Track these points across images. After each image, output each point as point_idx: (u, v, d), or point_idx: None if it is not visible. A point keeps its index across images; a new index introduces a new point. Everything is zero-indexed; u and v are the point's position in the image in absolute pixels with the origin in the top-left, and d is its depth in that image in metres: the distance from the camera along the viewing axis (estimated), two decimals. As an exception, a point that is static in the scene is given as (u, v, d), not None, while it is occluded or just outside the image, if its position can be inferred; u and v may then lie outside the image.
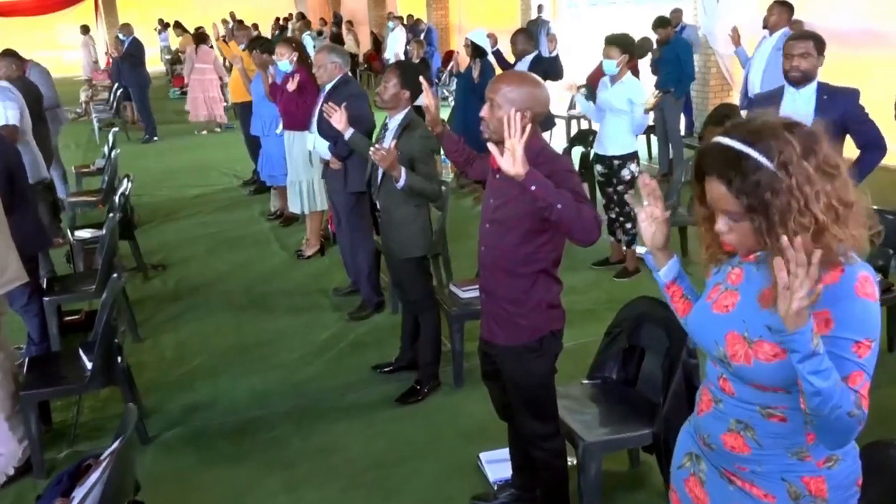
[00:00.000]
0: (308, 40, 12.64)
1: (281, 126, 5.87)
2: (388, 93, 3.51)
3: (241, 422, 3.65)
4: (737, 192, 1.38)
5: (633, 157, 5.05)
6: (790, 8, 6.11)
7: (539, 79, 2.43)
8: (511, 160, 2.08)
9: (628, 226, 5.19)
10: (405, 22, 13.94)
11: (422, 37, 13.28)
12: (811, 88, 3.69)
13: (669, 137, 7.47)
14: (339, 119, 3.82)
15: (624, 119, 4.97)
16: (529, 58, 5.99)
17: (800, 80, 3.69)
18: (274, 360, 4.25)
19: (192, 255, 6.16)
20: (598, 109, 5.18)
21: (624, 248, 5.35)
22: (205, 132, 11.91)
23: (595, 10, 16.07)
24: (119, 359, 3.37)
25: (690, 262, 5.40)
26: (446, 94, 12.30)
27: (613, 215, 5.34)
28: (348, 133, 3.86)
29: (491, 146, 2.18)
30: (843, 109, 3.59)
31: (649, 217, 1.75)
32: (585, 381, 3.05)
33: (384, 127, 3.67)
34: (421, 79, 3.17)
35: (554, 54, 5.73)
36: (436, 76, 12.23)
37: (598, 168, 5.25)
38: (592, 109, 5.30)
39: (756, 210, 1.37)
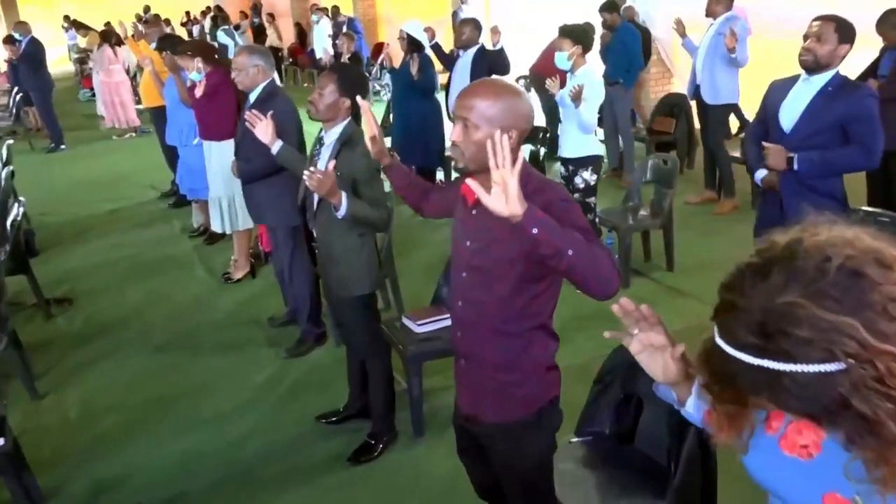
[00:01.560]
0: (224, 37, 11.82)
1: (197, 136, 5.22)
2: (323, 101, 2.95)
3: (163, 501, 3.05)
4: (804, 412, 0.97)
5: (589, 162, 4.59)
6: None
7: (517, 86, 1.93)
8: (502, 197, 1.58)
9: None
10: (330, 14, 13.24)
11: (343, 28, 12.68)
12: (823, 78, 3.13)
13: (619, 130, 7.10)
14: (265, 130, 3.25)
15: (575, 117, 4.53)
16: (473, 51, 5.49)
17: (811, 67, 3.13)
18: (201, 414, 3.65)
19: (104, 285, 5.45)
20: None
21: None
22: (127, 135, 11.01)
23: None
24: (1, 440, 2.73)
25: (655, 267, 5.04)
26: (378, 88, 11.71)
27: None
28: (276, 146, 3.29)
29: (471, 182, 1.67)
30: (843, 107, 3.06)
31: (647, 347, 1.33)
32: (575, 440, 2.59)
33: (319, 142, 3.10)
34: (360, 100, 2.57)
35: (499, 47, 5.25)
36: (366, 70, 11.61)
37: (561, 171, 4.80)
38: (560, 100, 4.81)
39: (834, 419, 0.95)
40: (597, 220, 4.76)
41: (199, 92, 4.68)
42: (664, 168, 4.95)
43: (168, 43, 5.76)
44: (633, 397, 2.53)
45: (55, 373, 4.15)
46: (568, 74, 4.60)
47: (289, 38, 17.53)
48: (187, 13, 20.88)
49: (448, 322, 3.49)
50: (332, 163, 2.70)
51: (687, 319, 4.04)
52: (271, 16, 16.54)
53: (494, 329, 1.94)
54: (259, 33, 16.77)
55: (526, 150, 6.15)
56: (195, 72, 4.89)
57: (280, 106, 3.80)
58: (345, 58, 7.73)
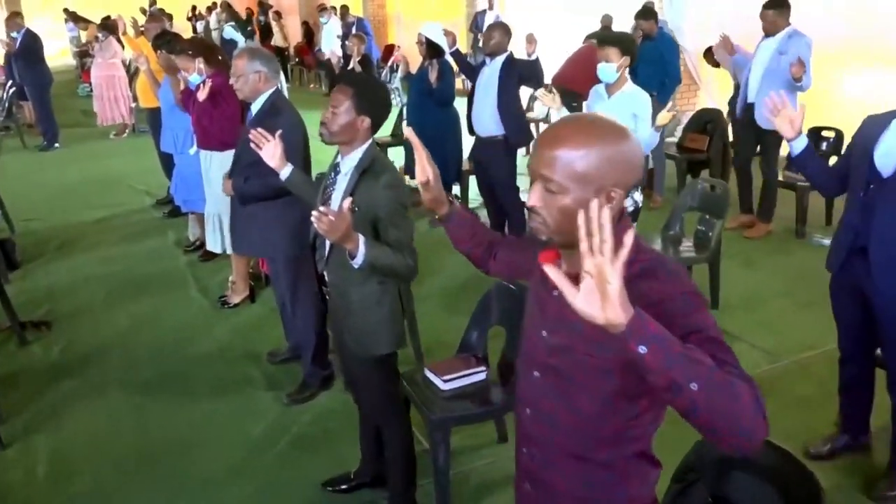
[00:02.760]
0: (231, 32, 11.33)
1: (194, 145, 4.73)
2: (338, 122, 2.44)
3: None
4: None
5: (636, 185, 4.11)
6: (788, 7, 5.33)
7: (620, 124, 1.37)
8: (596, 297, 1.10)
9: (630, 266, 4.26)
10: (338, 13, 12.74)
11: (354, 29, 12.19)
12: None
13: (652, 152, 6.59)
14: (272, 152, 2.74)
15: (627, 137, 4.03)
16: (501, 59, 4.99)
17: None
18: (189, 478, 3.13)
19: (87, 305, 4.94)
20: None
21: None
22: (125, 134, 10.52)
23: (546, 2, 15.29)
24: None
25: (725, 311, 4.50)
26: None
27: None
28: (286, 171, 2.79)
29: (551, 270, 1.16)
30: None
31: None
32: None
33: (334, 169, 2.59)
34: (408, 131, 1.88)
35: (534, 56, 4.75)
36: (376, 73, 11.12)
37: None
38: None
39: None
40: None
41: (201, 96, 4.17)
42: (713, 194, 4.46)
43: (164, 41, 5.26)
44: (723, 502, 2.04)
45: (25, 416, 3.63)
46: (601, 88, 4.08)
47: (295, 37, 17.05)
48: (193, 8, 20.39)
49: (481, 376, 3.02)
50: (348, 200, 2.18)
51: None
52: (278, 14, 16.04)
53: (573, 454, 1.44)
54: (265, 32, 16.27)
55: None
56: (195, 74, 4.41)
57: (286, 121, 3.30)
58: (354, 60, 7.24)
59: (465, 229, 1.80)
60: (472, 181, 6.59)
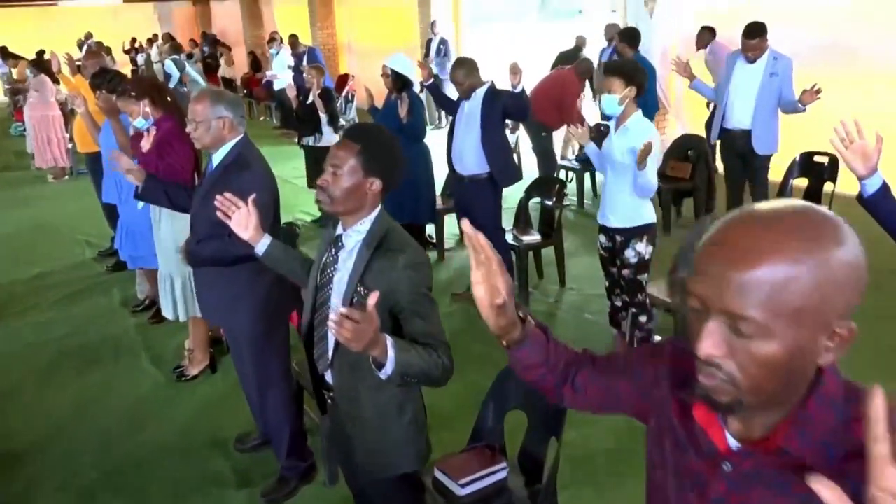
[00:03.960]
0: (172, 67, 10.70)
1: (143, 199, 4.16)
2: (341, 185, 1.93)
3: None
4: None
5: (643, 231, 3.69)
6: (764, 28, 5.09)
7: (831, 215, 0.90)
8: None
9: (642, 319, 3.84)
10: (287, 43, 12.19)
11: (305, 60, 11.67)
12: None
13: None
14: (244, 222, 2.22)
15: (629, 178, 3.63)
16: (482, 91, 4.55)
17: None
18: None
19: (18, 385, 4.28)
20: (600, 160, 3.82)
21: (635, 346, 4.01)
22: (66, 177, 9.79)
23: (502, 27, 15.05)
24: None
25: None
26: (343, 123, 10.69)
27: (619, 303, 4.00)
28: (263, 245, 2.26)
29: (820, 486, 0.70)
30: None
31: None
32: None
33: (335, 244, 2.06)
34: (465, 224, 1.20)
35: (519, 89, 4.34)
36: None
37: (601, 239, 3.89)
38: (595, 153, 3.90)
39: None
40: (647, 300, 3.84)
41: (145, 145, 3.62)
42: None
43: (103, 80, 4.68)
44: None
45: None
46: (610, 123, 3.70)
47: (241, 68, 16.44)
48: (133, 40, 19.61)
49: (502, 474, 2.53)
50: (374, 297, 1.65)
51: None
52: (227, 47, 15.45)
53: None
54: (209, 64, 15.63)
55: (510, 205, 5.21)
56: (140, 118, 3.85)
57: (255, 178, 2.80)
58: (314, 93, 6.74)
59: (540, 354, 1.28)
60: (448, 219, 6.15)
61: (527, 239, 5.06)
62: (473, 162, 4.69)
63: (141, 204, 4.27)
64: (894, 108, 6.47)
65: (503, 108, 4.53)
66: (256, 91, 14.88)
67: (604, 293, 5.09)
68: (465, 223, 1.19)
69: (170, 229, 3.92)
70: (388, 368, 1.70)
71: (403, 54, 5.62)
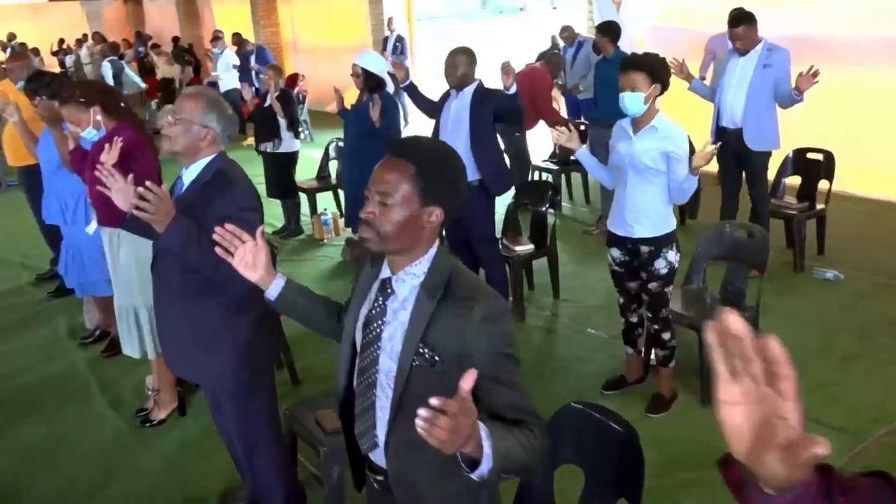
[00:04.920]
0: (108, 70, 9.97)
1: (94, 221, 3.63)
2: (392, 218, 1.49)
3: None
4: None
5: (673, 238, 3.38)
6: (755, 20, 4.84)
7: None
8: None
9: (665, 336, 3.51)
10: (232, 42, 11.55)
11: (253, 59, 11.10)
12: None
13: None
14: (252, 261, 1.75)
15: (657, 183, 3.30)
16: (471, 90, 4.15)
17: None
18: None
19: (-46, 440, 3.70)
20: (614, 169, 3.46)
21: (654, 363, 3.68)
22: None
23: (448, 24, 14.67)
24: None
25: None
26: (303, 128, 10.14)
27: (636, 319, 3.65)
28: (277, 286, 1.78)
29: None
30: None
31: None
32: None
33: (381, 292, 1.61)
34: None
35: (513, 90, 3.94)
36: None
37: (614, 253, 3.53)
38: (600, 169, 3.56)
39: None
40: (671, 315, 3.51)
41: (108, 159, 3.08)
42: (746, 241, 3.77)
43: (41, 84, 4.11)
44: None
45: None
46: (626, 122, 3.34)
47: (177, 69, 15.61)
48: (60, 41, 18.50)
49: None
50: (471, 378, 1.21)
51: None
52: (157, 45, 14.64)
53: None
54: (143, 65, 14.80)
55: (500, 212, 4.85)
56: (90, 128, 3.32)
57: (243, 198, 2.36)
58: (272, 96, 6.23)
59: None
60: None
61: (519, 249, 4.68)
62: (463, 167, 4.28)
63: (93, 227, 3.75)
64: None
65: (494, 110, 4.13)
66: (197, 93, 14.15)
67: (602, 305, 4.80)
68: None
69: (130, 255, 3.41)
70: (485, 467, 1.28)
71: (371, 51, 5.17)
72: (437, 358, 1.46)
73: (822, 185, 5.34)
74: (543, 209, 4.82)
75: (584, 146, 3.49)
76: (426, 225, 1.52)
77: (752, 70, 4.86)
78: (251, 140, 11.27)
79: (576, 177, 7.27)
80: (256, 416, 2.58)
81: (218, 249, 1.74)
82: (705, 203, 6.10)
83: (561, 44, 8.31)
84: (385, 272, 1.60)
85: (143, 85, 12.60)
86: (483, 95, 4.19)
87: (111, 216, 3.35)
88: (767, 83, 4.82)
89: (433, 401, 1.17)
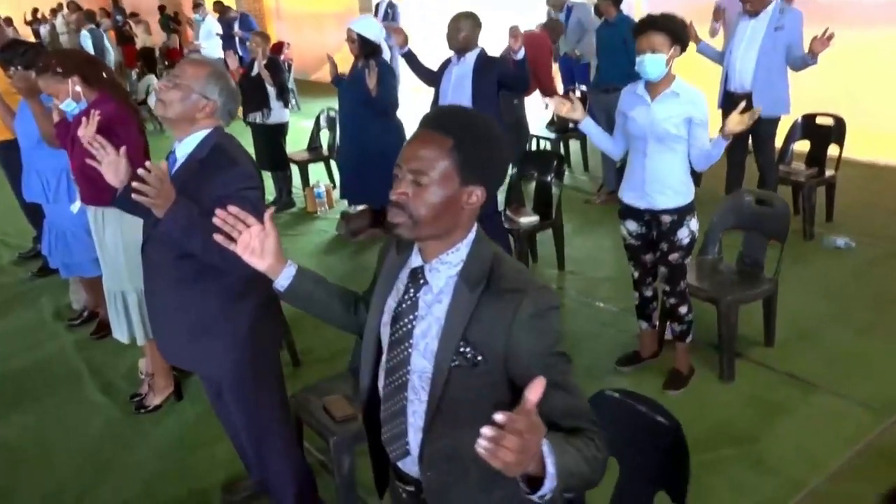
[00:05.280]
0: (87, 39, 9.61)
1: (78, 200, 3.42)
2: (428, 199, 1.32)
3: None
4: None
5: (693, 207, 3.23)
6: None
7: None
8: None
9: (682, 310, 3.36)
10: (213, 9, 11.16)
11: (236, 26, 10.75)
12: None
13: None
14: (258, 245, 1.56)
15: (678, 151, 3.13)
16: (473, 56, 3.94)
17: None
18: None
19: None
20: (624, 138, 3.28)
21: (669, 338, 3.55)
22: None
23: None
24: None
25: (748, 342, 3.66)
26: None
27: (650, 293, 3.51)
28: (287, 274, 1.60)
29: None
30: None
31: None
32: None
33: (412, 282, 1.43)
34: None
35: (520, 55, 3.73)
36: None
37: (630, 226, 3.37)
38: (606, 138, 3.36)
39: None
40: (687, 289, 3.37)
41: (85, 133, 2.87)
42: (764, 211, 3.62)
43: (16, 53, 3.86)
44: None
45: None
46: (640, 88, 3.15)
47: (156, 38, 15.16)
48: (34, 10, 17.91)
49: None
50: (540, 386, 1.04)
51: (837, 427, 3.02)
52: (135, 14, 14.19)
53: None
54: (121, 34, 14.32)
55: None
56: (69, 100, 3.09)
57: (245, 176, 2.16)
58: (259, 64, 5.96)
59: None
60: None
61: (524, 221, 4.51)
62: (466, 138, 4.09)
63: (77, 206, 3.53)
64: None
65: (499, 77, 3.93)
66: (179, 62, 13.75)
67: (610, 277, 4.66)
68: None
69: (117, 236, 3.21)
70: (548, 487, 1.12)
71: (370, 16, 4.93)
72: (479, 357, 1.30)
73: (833, 150, 5.19)
74: (548, 179, 4.64)
75: (589, 117, 3.30)
76: (465, 206, 1.34)
77: (762, 32, 4.68)
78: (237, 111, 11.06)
79: (574, 144, 7.09)
80: (263, 407, 2.42)
81: (218, 236, 1.55)
82: (708, 170, 5.93)
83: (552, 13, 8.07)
84: (415, 260, 1.42)
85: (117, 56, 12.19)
86: (486, 62, 3.99)
87: (97, 194, 3.16)
88: (779, 46, 4.65)
89: (498, 417, 1.00)
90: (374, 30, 4.78)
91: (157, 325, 2.39)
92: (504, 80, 3.93)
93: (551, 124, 6.97)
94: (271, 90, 5.94)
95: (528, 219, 4.54)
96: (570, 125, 6.77)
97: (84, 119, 2.90)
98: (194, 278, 2.19)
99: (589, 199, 6.16)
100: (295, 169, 6.52)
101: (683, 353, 3.46)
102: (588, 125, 3.27)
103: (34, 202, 4.11)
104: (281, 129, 6.15)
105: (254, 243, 1.54)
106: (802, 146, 5.36)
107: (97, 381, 3.84)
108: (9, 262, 5.62)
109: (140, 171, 1.89)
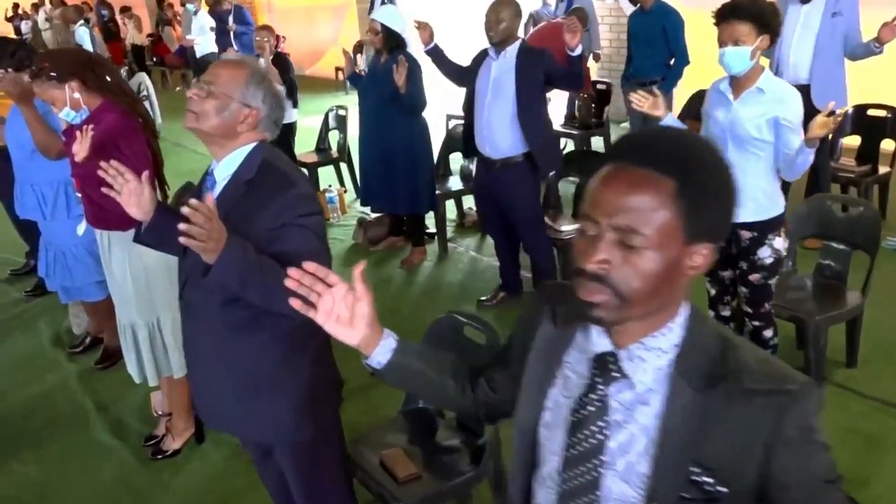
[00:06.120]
0: (85, 36, 9.13)
1: (83, 222, 3.02)
2: (644, 269, 0.94)
3: None
4: None
5: (780, 223, 2.86)
6: None
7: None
8: None
9: (767, 334, 3.00)
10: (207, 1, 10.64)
11: (231, 20, 10.23)
12: None
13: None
14: (346, 312, 1.17)
15: (762, 157, 2.76)
16: (514, 49, 3.56)
17: None
18: None
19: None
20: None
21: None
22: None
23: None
24: None
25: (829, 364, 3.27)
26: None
27: (728, 313, 3.15)
28: (384, 351, 1.20)
29: None
30: None
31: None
32: None
33: (600, 371, 1.04)
34: None
35: (578, 52, 3.33)
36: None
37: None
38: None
39: None
40: (772, 311, 3.01)
41: (78, 151, 2.44)
42: (851, 218, 3.26)
43: (4, 53, 3.42)
44: None
45: None
46: (724, 84, 2.79)
47: (145, 33, 14.64)
48: (15, 5, 17.33)
49: None
50: None
51: None
52: (127, 8, 13.67)
53: None
54: (108, 31, 13.77)
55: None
56: (67, 108, 2.68)
57: (311, 204, 1.78)
58: (267, 60, 5.56)
59: None
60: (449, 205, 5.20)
61: (567, 228, 4.14)
62: (508, 141, 3.71)
63: (82, 228, 3.14)
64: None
65: (546, 73, 3.53)
66: (168, 58, 13.26)
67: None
68: None
69: (124, 263, 2.81)
70: None
71: (394, 7, 4.53)
72: (720, 489, 0.93)
73: (887, 144, 4.85)
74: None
75: (670, 113, 2.93)
76: (687, 273, 0.97)
77: (818, 19, 4.32)
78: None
79: (597, 141, 6.72)
80: (323, 468, 2.04)
81: (294, 301, 1.16)
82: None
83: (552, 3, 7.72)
84: (599, 342, 1.05)
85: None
86: (530, 55, 3.60)
87: (103, 216, 2.77)
88: (837, 33, 4.29)
89: None
90: (399, 20, 4.38)
91: (198, 382, 2.00)
92: (554, 75, 3.53)
93: (572, 119, 6.60)
94: (280, 88, 5.51)
95: (570, 226, 4.17)
96: (593, 121, 6.43)
97: (78, 134, 2.50)
98: (245, 328, 1.81)
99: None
100: (304, 172, 6.11)
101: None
102: (670, 123, 2.90)
103: (30, 220, 3.69)
104: (290, 129, 5.74)
105: (339, 310, 1.15)
106: (852, 141, 5.01)
107: (106, 419, 3.44)
108: (1, 279, 5.19)
109: (185, 209, 1.50)
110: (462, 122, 4.34)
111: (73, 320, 4.26)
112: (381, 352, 1.20)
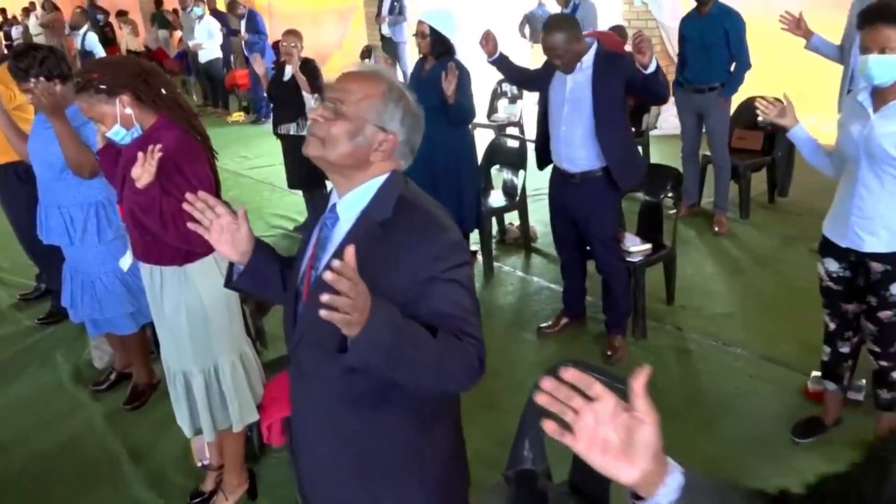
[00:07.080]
0: (95, 42, 8.73)
1: (129, 254, 2.67)
2: None
3: None
4: None
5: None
6: None
7: None
8: None
9: (895, 376, 2.68)
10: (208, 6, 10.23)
11: (243, 26, 9.80)
12: None
13: (714, 157, 5.10)
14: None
15: (904, 179, 2.45)
16: (590, 56, 3.22)
17: None
18: None
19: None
20: (841, 155, 2.60)
21: (853, 397, 2.90)
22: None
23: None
24: None
25: None
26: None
27: (847, 349, 2.82)
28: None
29: None
30: None
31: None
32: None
33: None
34: None
35: (653, 69, 2.96)
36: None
37: (830, 266, 2.68)
38: (820, 152, 2.67)
39: None
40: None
41: (140, 174, 2.09)
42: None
43: (33, 61, 3.06)
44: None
45: None
46: (862, 95, 2.48)
47: (139, 40, 14.19)
48: (2, 10, 16.84)
49: None
50: None
51: None
52: (124, 12, 13.26)
53: None
54: (104, 36, 13.33)
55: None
56: (118, 125, 2.31)
57: (459, 252, 1.43)
58: (294, 67, 5.18)
59: None
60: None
61: (635, 249, 3.81)
62: (582, 154, 3.39)
63: (127, 262, 2.78)
64: None
65: (628, 79, 3.20)
66: (167, 63, 12.83)
67: (729, 312, 3.99)
68: None
69: (179, 304, 2.44)
70: None
71: (443, 8, 4.19)
72: None
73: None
74: (659, 199, 3.95)
75: (799, 122, 2.61)
76: None
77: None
78: (238, 115, 10.20)
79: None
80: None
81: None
82: (799, 176, 5.31)
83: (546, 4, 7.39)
84: None
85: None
86: (608, 61, 3.27)
87: (156, 250, 2.40)
88: None
89: None
90: (450, 24, 4.04)
91: (306, 462, 1.64)
92: (637, 84, 3.18)
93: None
94: (308, 98, 5.17)
95: (640, 247, 3.84)
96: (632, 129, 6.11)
97: (141, 155, 2.14)
98: (372, 401, 1.46)
99: (668, 214, 5.48)
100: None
101: (889, 424, 2.79)
102: (799, 133, 2.59)
103: (53, 244, 3.31)
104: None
105: (607, 434, 0.86)
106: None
107: (141, 470, 3.07)
108: (8, 305, 4.77)
109: (328, 275, 1.13)
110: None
111: (94, 353, 3.88)
112: (667, 492, 0.87)
